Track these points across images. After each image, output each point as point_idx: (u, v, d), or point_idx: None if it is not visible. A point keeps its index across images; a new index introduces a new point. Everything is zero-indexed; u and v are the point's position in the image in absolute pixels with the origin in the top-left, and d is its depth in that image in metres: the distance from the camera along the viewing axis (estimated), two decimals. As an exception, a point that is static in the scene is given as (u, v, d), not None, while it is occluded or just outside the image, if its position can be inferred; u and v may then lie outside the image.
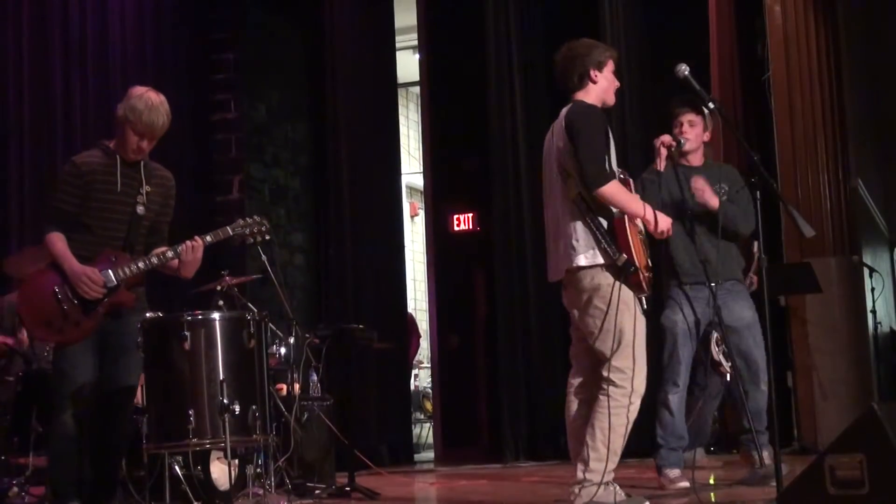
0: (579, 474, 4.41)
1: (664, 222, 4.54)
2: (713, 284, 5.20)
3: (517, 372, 8.44)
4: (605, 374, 4.44)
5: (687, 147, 5.49)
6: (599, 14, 8.35)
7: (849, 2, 7.94)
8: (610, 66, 4.61)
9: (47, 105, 8.54)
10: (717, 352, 7.46)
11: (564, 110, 4.58)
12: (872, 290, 7.72)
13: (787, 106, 7.57)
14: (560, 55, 4.65)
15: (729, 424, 7.08)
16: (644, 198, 4.86)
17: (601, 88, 4.59)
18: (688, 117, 5.49)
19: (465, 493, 6.26)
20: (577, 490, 4.40)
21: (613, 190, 4.40)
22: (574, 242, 4.44)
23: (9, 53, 8.57)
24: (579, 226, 4.44)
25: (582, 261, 4.43)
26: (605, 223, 4.43)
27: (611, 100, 4.66)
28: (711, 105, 4.45)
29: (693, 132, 5.50)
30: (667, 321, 5.45)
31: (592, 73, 4.56)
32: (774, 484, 4.11)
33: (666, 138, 5.37)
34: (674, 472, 5.39)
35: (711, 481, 5.58)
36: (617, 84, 4.67)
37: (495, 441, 8.80)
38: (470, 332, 9.95)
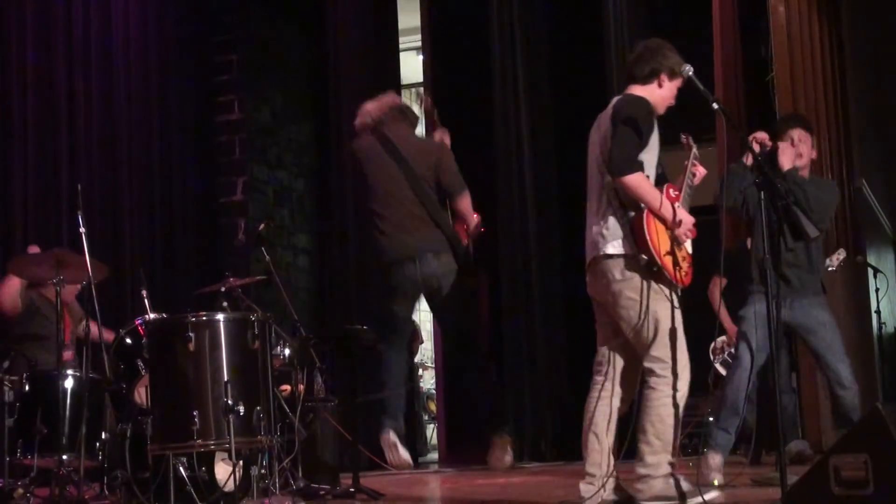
0: (639, 470, 4.44)
1: (686, 223, 4.43)
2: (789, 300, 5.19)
3: (521, 373, 8.43)
4: (646, 364, 4.46)
5: (799, 163, 5.36)
6: (604, 15, 8.35)
7: (852, 2, 7.92)
8: (678, 82, 4.56)
9: (51, 106, 8.55)
10: (717, 359, 7.42)
11: (615, 100, 4.58)
12: (877, 290, 7.70)
13: (790, 106, 7.56)
14: (644, 44, 4.64)
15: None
16: (727, 184, 5.01)
17: (660, 95, 4.55)
18: (797, 133, 5.40)
19: (470, 494, 6.25)
20: (639, 486, 4.43)
21: (636, 181, 4.35)
22: (604, 231, 4.46)
23: (12, 56, 8.58)
24: (611, 216, 4.46)
25: (609, 249, 4.44)
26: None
27: (660, 110, 4.59)
28: (715, 105, 4.45)
29: (804, 148, 5.38)
30: (747, 314, 5.33)
31: (663, 75, 4.53)
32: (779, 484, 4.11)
33: (759, 135, 5.23)
34: (715, 459, 5.23)
35: (715, 482, 5.54)
36: (672, 102, 4.61)
37: (499, 442, 8.77)
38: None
